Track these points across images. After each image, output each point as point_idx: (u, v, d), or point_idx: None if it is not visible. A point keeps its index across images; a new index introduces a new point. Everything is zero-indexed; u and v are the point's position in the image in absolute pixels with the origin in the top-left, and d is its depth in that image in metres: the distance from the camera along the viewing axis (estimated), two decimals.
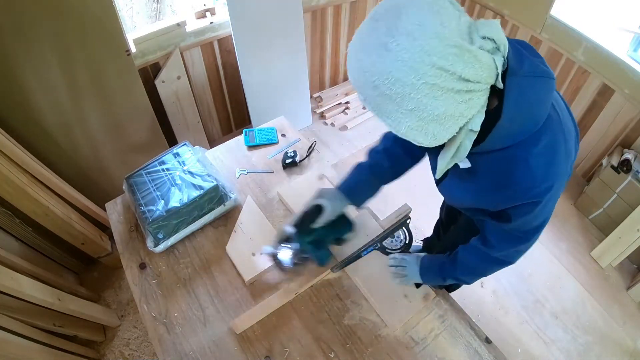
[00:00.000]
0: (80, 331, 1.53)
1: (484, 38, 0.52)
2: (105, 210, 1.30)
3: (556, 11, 2.07)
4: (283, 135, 1.50)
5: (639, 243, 1.84)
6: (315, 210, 0.96)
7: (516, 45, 0.60)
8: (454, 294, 1.12)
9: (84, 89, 1.55)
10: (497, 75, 0.54)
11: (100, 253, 1.78)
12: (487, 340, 1.02)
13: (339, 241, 1.05)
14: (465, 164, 0.71)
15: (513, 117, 0.58)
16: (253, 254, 1.13)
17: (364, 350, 0.99)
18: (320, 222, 0.95)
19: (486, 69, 0.52)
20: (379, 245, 1.13)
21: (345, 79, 2.87)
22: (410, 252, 1.13)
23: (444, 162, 0.62)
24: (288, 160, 1.36)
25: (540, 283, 1.93)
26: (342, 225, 1.02)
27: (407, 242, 1.15)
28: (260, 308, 1.04)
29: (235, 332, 1.01)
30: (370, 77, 0.54)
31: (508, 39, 0.56)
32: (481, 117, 0.56)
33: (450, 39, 0.49)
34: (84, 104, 1.58)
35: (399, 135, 0.58)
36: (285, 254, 0.98)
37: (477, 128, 0.56)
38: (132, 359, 1.64)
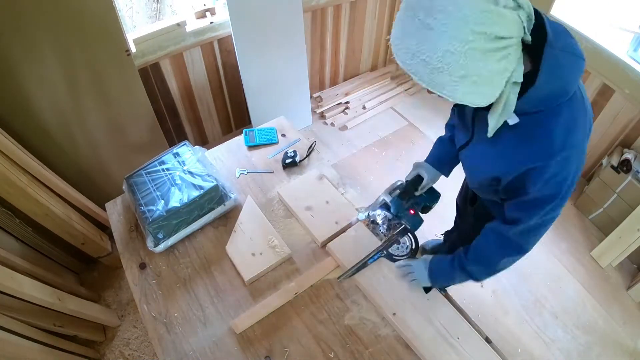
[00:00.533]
0: (80, 331, 1.53)
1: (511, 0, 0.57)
2: (105, 210, 1.30)
3: (556, 11, 2.07)
4: (283, 135, 1.50)
5: (639, 243, 1.83)
6: (416, 180, 1.12)
7: (553, 23, 0.66)
8: (454, 294, 1.11)
9: (84, 89, 1.55)
10: (524, 28, 0.59)
11: (100, 253, 1.78)
12: (487, 340, 1.02)
13: (425, 209, 1.16)
14: (513, 119, 0.72)
15: (547, 83, 0.64)
16: (253, 254, 1.13)
17: (364, 350, 0.99)
18: (422, 189, 1.12)
19: (513, 24, 0.57)
20: (385, 253, 1.12)
21: (345, 79, 2.87)
22: (416, 257, 1.13)
23: (494, 120, 0.67)
24: (288, 160, 1.37)
25: (540, 283, 1.93)
26: (431, 195, 1.16)
27: (413, 247, 1.15)
28: (260, 308, 1.04)
29: (235, 332, 1.01)
30: (420, 56, 0.60)
31: (550, 20, 0.64)
32: (521, 69, 0.61)
33: (478, 4, 0.55)
34: (84, 104, 1.58)
35: (457, 101, 0.64)
36: (379, 218, 1.13)
37: (520, 79, 0.62)
38: (132, 359, 1.65)
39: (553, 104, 0.69)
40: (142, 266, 1.14)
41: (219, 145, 1.47)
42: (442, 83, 0.61)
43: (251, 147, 1.46)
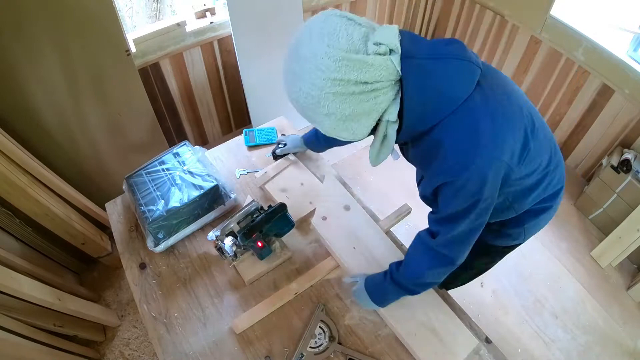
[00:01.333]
0: (80, 331, 1.53)
1: (376, 44, 0.61)
2: (105, 210, 1.30)
3: (556, 11, 2.08)
4: (283, 135, 1.50)
5: (639, 243, 1.84)
6: (275, 210, 1.09)
7: (414, 35, 0.67)
8: (454, 294, 1.11)
9: (84, 89, 1.55)
10: (398, 71, 0.62)
11: (100, 253, 1.78)
12: (487, 340, 1.02)
13: (278, 236, 1.14)
14: (395, 155, 0.78)
15: (419, 98, 0.65)
16: (253, 254, 1.13)
17: (364, 350, 0.98)
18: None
19: (381, 69, 0.60)
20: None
21: None
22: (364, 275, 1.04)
23: (374, 151, 0.72)
24: (279, 150, 1.36)
25: (540, 283, 1.93)
26: (282, 224, 1.11)
27: (331, 334, 0.99)
28: (260, 308, 1.04)
29: (235, 332, 1.01)
30: (290, 94, 0.68)
31: (404, 32, 0.65)
32: (396, 108, 0.65)
33: (337, 54, 0.59)
34: (84, 104, 1.58)
35: (328, 135, 0.69)
36: (227, 245, 1.07)
37: (394, 118, 0.65)
38: (132, 359, 1.65)
39: (442, 115, 0.66)
40: (142, 266, 1.14)
41: (219, 145, 1.47)
42: (310, 117, 0.68)
43: (251, 147, 1.46)
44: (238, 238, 1.07)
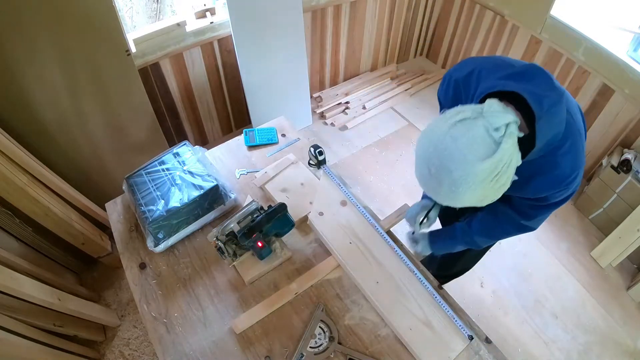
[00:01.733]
0: (80, 331, 1.53)
1: (496, 130, 0.66)
2: (105, 210, 1.30)
3: (556, 11, 2.07)
4: (283, 135, 1.50)
5: (639, 243, 1.84)
6: (276, 210, 1.10)
7: (530, 88, 0.71)
8: (454, 294, 1.11)
9: (84, 89, 1.55)
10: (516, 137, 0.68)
11: (100, 253, 1.78)
12: (487, 340, 1.01)
13: (278, 236, 1.15)
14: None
15: (544, 140, 0.74)
16: (253, 254, 1.13)
17: (364, 350, 0.98)
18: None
19: (510, 149, 0.67)
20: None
21: (345, 79, 2.88)
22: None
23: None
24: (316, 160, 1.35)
25: (540, 283, 1.93)
26: (282, 224, 1.12)
27: (331, 334, 0.99)
28: (260, 308, 1.04)
29: (235, 332, 1.01)
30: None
31: (531, 91, 0.70)
32: (518, 161, 0.70)
33: (484, 171, 0.67)
34: (84, 104, 1.58)
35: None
36: (227, 246, 1.09)
37: (519, 161, 0.71)
38: (132, 359, 1.65)
39: (554, 145, 0.78)
40: (142, 266, 1.14)
41: (219, 145, 1.47)
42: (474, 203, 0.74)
43: (251, 147, 1.46)
44: (238, 238, 1.07)
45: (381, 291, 1.06)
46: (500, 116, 0.68)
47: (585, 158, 0.85)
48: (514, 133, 0.68)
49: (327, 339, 0.99)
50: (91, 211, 1.73)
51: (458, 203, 0.73)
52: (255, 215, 1.11)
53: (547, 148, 0.77)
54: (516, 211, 0.98)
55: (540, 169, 0.81)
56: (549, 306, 1.86)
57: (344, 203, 1.24)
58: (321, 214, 1.21)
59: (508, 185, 0.71)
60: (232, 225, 1.09)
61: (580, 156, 0.83)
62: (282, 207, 1.10)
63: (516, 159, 0.69)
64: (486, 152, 0.67)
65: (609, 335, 1.78)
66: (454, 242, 1.14)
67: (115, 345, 1.67)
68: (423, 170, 0.73)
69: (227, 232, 1.09)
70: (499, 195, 0.73)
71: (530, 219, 0.97)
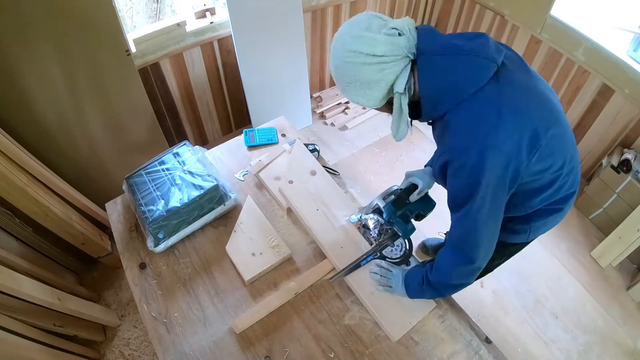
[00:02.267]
0: (80, 331, 1.53)
1: (391, 28, 0.75)
2: (105, 210, 1.30)
3: (556, 11, 2.07)
4: (283, 135, 1.50)
5: (639, 243, 1.84)
6: (410, 188, 1.09)
7: (435, 32, 0.79)
8: (454, 294, 1.11)
9: (84, 89, 1.55)
10: (403, 49, 0.74)
11: (100, 253, 1.78)
12: (487, 340, 1.02)
13: (419, 217, 1.11)
14: (408, 128, 0.85)
15: (431, 86, 0.77)
16: (253, 254, 1.13)
17: (364, 350, 0.99)
18: (416, 196, 1.09)
19: (387, 45, 0.74)
20: (378, 255, 1.11)
21: None
22: (409, 262, 1.12)
23: (395, 126, 0.83)
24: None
25: (540, 283, 1.93)
26: (425, 203, 1.11)
27: (407, 250, 1.13)
28: (260, 308, 1.04)
29: (235, 332, 1.01)
30: (331, 71, 0.84)
31: (423, 29, 0.78)
32: (403, 81, 0.76)
33: (354, 33, 0.76)
34: (83, 103, 1.58)
35: (353, 102, 0.85)
36: (371, 223, 1.12)
37: (401, 90, 0.77)
38: (132, 359, 1.65)
39: (452, 104, 0.77)
40: (142, 266, 1.14)
41: (219, 145, 1.47)
42: (341, 87, 0.83)
43: (251, 147, 1.46)
44: (384, 214, 1.06)
45: (345, 256, 1.11)
46: (401, 23, 0.76)
47: (506, 151, 0.73)
48: (398, 43, 0.74)
49: (402, 253, 1.10)
50: (91, 211, 1.73)
51: (332, 71, 0.82)
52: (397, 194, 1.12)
53: (444, 103, 0.77)
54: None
55: (442, 132, 0.82)
56: (549, 306, 1.86)
57: (313, 172, 1.29)
58: (291, 182, 1.25)
59: (374, 77, 0.76)
60: (377, 201, 1.10)
61: (479, 129, 0.74)
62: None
63: (398, 79, 0.76)
64: (365, 29, 0.75)
65: (609, 335, 1.78)
66: (421, 285, 0.98)
67: (115, 345, 1.67)
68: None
69: (372, 209, 1.11)
70: (361, 95, 0.80)
71: (453, 228, 0.86)
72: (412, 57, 0.76)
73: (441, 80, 0.76)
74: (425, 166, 1.18)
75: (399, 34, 0.75)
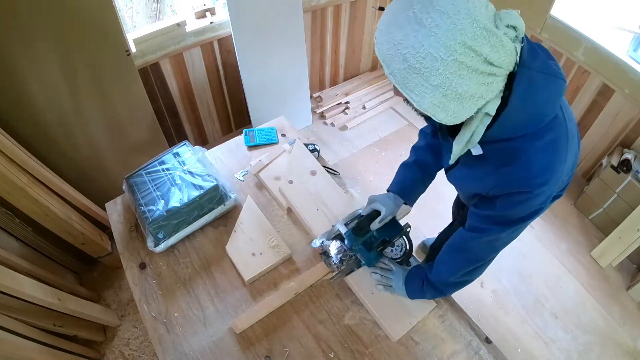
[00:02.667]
0: (80, 331, 1.53)
1: (507, 26, 0.56)
2: (105, 210, 1.30)
3: (556, 11, 2.07)
4: (283, 135, 1.50)
5: (639, 243, 1.84)
6: (372, 215, 1.04)
7: (532, 43, 0.62)
8: (454, 294, 1.11)
9: (84, 89, 1.55)
10: (516, 62, 0.58)
11: (100, 253, 1.78)
12: (487, 340, 1.02)
13: (386, 243, 1.07)
14: (477, 150, 0.70)
15: (520, 108, 0.61)
16: (253, 254, 1.13)
17: (364, 350, 0.99)
18: (377, 224, 1.03)
19: (508, 55, 0.56)
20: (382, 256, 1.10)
21: (345, 79, 2.87)
22: (409, 262, 1.12)
23: (459, 147, 0.66)
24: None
25: (540, 283, 1.93)
26: (391, 229, 1.07)
27: (407, 250, 1.12)
28: (260, 308, 1.04)
29: (235, 332, 1.01)
30: (401, 50, 0.56)
31: (526, 37, 0.60)
32: (497, 103, 0.60)
33: (481, 21, 0.53)
34: (83, 104, 1.58)
35: (421, 109, 0.61)
36: (333, 249, 1.04)
37: (493, 112, 0.60)
38: (132, 359, 1.65)
39: (530, 130, 0.65)
40: (142, 266, 1.14)
41: (219, 145, 1.47)
42: (413, 85, 0.58)
43: (251, 147, 1.46)
44: (345, 241, 1.03)
45: None
46: (517, 20, 0.57)
47: (563, 179, 0.71)
48: (515, 54, 0.57)
49: (402, 253, 1.07)
50: (91, 211, 1.73)
51: (406, 52, 0.55)
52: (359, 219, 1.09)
53: (522, 128, 0.64)
54: (468, 226, 0.83)
55: (506, 156, 0.68)
56: (549, 306, 1.86)
57: (313, 172, 1.30)
58: (291, 182, 1.26)
59: (474, 90, 0.56)
60: (338, 226, 1.07)
61: (556, 161, 0.67)
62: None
63: (493, 99, 0.59)
64: (489, 19, 0.55)
65: (609, 335, 1.78)
66: (421, 285, 0.98)
67: (115, 345, 1.67)
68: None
69: (333, 236, 1.07)
70: (443, 109, 0.58)
71: (483, 234, 0.80)
72: (512, 70, 0.59)
73: (531, 103, 0.62)
74: (387, 190, 1.11)
75: (517, 38, 0.58)
